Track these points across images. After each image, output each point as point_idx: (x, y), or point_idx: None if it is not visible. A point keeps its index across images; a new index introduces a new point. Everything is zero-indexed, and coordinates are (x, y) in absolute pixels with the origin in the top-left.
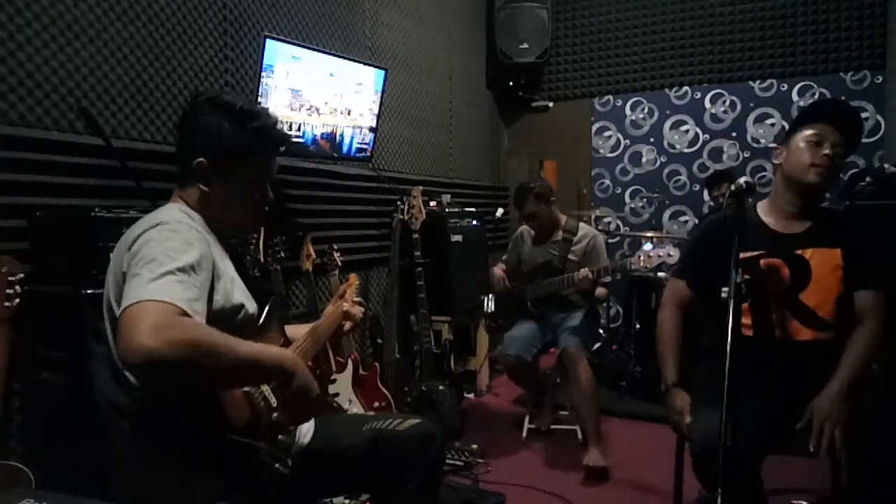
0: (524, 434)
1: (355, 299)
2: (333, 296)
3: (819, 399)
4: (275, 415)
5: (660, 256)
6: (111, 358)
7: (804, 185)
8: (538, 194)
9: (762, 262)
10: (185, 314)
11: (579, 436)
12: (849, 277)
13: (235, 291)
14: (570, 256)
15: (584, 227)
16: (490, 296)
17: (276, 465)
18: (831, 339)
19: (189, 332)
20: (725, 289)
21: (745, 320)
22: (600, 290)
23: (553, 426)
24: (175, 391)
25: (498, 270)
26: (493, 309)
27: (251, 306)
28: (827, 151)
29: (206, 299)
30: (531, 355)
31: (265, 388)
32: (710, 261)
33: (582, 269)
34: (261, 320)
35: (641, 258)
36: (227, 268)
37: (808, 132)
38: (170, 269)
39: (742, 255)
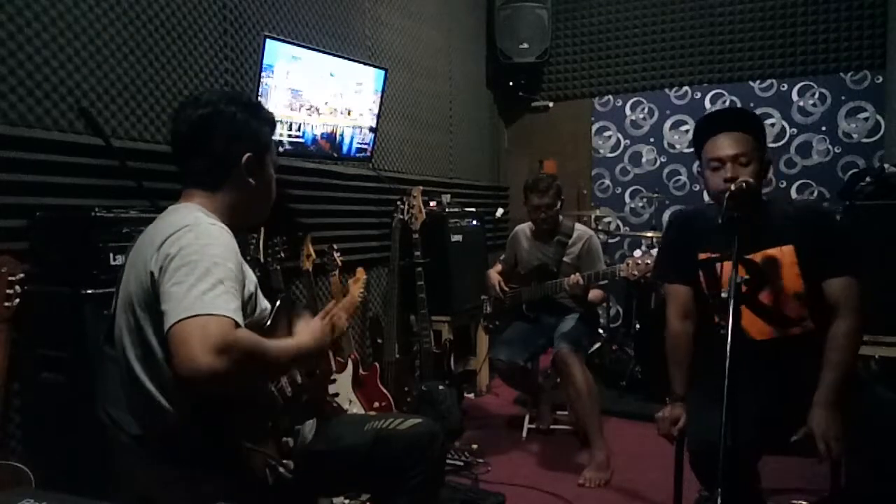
0: (524, 434)
1: (360, 292)
2: (340, 293)
3: (813, 415)
4: (283, 417)
5: (647, 264)
6: (129, 377)
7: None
8: (559, 190)
9: (718, 265)
10: (237, 325)
11: (579, 435)
12: (809, 270)
13: (257, 292)
14: (564, 259)
15: (579, 229)
16: (487, 297)
17: (281, 469)
18: (808, 332)
19: (248, 346)
20: (725, 289)
21: (720, 320)
22: (595, 294)
23: (553, 426)
24: (222, 397)
25: (494, 274)
26: (489, 310)
27: (266, 306)
28: (728, 175)
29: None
30: (522, 359)
31: (273, 389)
32: (681, 255)
33: (573, 275)
34: (269, 320)
35: (630, 265)
36: (247, 269)
37: (708, 158)
38: (219, 277)
39: (703, 256)
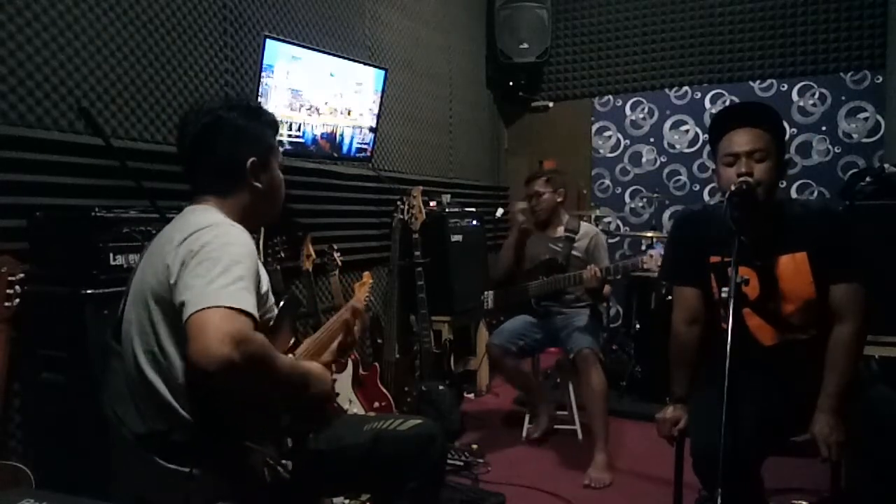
0: (524, 434)
1: (366, 296)
2: (341, 293)
3: (816, 421)
4: (286, 419)
5: None
6: (136, 372)
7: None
8: (557, 182)
9: (730, 270)
10: (254, 321)
11: (579, 436)
12: (821, 277)
13: (268, 292)
14: (573, 253)
15: (585, 226)
16: (489, 293)
17: (279, 469)
18: (815, 338)
19: (262, 347)
20: (725, 289)
21: (725, 325)
22: (606, 288)
23: (552, 426)
24: (229, 395)
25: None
26: (491, 306)
27: (275, 306)
28: (742, 170)
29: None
30: (516, 346)
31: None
32: (690, 256)
33: (591, 267)
34: (273, 320)
35: (654, 257)
36: (262, 269)
37: (722, 153)
38: (239, 274)
39: (714, 259)
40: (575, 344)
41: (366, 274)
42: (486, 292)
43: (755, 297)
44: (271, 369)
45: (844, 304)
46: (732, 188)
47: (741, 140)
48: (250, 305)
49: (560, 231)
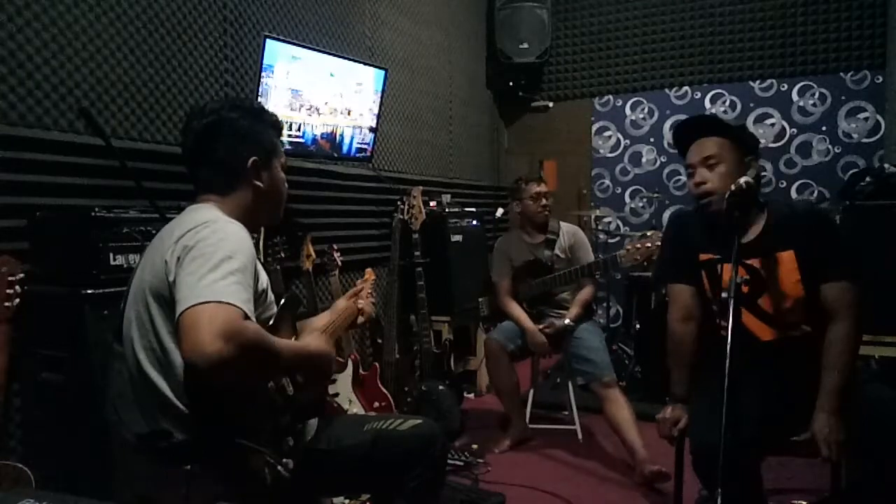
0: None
1: (369, 295)
2: (340, 293)
3: (816, 420)
4: (283, 415)
5: (648, 247)
6: (136, 371)
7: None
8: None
9: (719, 266)
10: (247, 316)
11: (579, 436)
12: (810, 276)
13: (268, 290)
14: (556, 252)
15: (564, 225)
16: (484, 300)
17: (279, 468)
18: (811, 334)
19: (255, 338)
20: (724, 289)
21: (720, 321)
22: (587, 293)
23: (552, 426)
24: (226, 387)
25: (512, 304)
26: (487, 312)
27: (274, 305)
28: (697, 180)
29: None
30: (514, 345)
31: (273, 387)
32: (682, 255)
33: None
34: (273, 318)
35: (630, 251)
36: (260, 268)
37: (686, 165)
38: (231, 269)
39: (705, 257)
40: (593, 372)
41: (368, 270)
42: (481, 299)
43: (746, 295)
44: (270, 354)
45: (836, 303)
46: (732, 188)
47: (693, 151)
48: (242, 300)
49: (540, 237)
